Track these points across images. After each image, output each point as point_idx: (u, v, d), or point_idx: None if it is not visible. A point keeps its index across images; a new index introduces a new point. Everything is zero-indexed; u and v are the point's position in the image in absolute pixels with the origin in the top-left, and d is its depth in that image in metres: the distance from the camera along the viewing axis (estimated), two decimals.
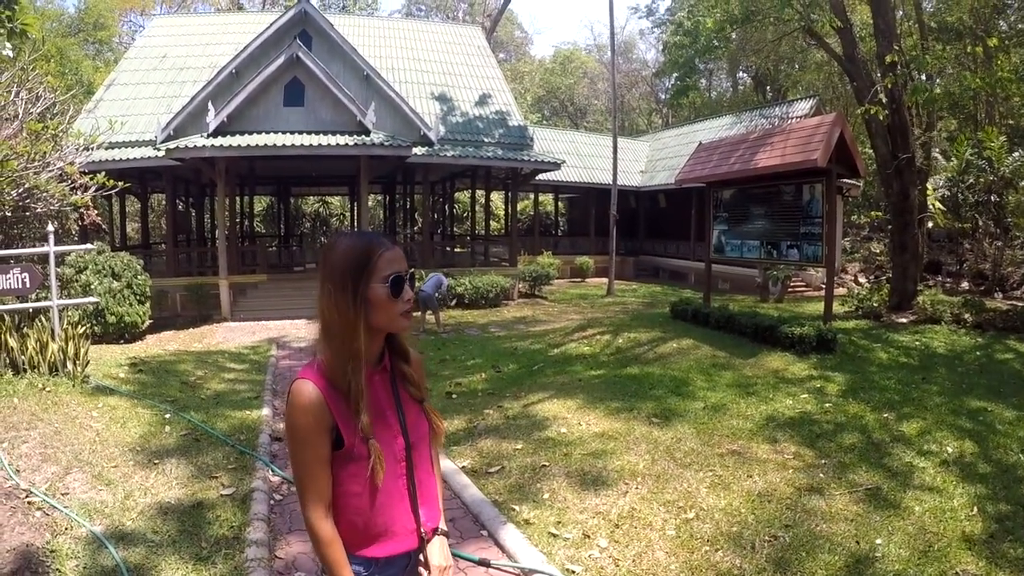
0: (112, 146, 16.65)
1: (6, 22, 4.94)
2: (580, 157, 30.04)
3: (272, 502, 5.15)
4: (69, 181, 10.84)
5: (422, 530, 1.93)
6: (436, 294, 14.81)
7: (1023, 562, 4.08)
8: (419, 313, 14.67)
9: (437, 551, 1.95)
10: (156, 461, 5.66)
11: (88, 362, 8.18)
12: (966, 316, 11.39)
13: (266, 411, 7.72)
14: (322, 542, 1.81)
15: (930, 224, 18.94)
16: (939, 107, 19.00)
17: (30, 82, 11.26)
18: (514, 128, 22.99)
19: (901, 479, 5.34)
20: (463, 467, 5.87)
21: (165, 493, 5.04)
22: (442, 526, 2.00)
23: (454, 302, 18.09)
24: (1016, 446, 5.99)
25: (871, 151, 15.73)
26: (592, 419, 7.08)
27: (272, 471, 5.75)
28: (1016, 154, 18.61)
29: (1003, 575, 3.97)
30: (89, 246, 11.10)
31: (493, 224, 30.29)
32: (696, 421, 6.91)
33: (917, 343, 10.14)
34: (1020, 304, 13.75)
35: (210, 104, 17.25)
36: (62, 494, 4.80)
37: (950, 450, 5.93)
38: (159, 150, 17.06)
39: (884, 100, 12.27)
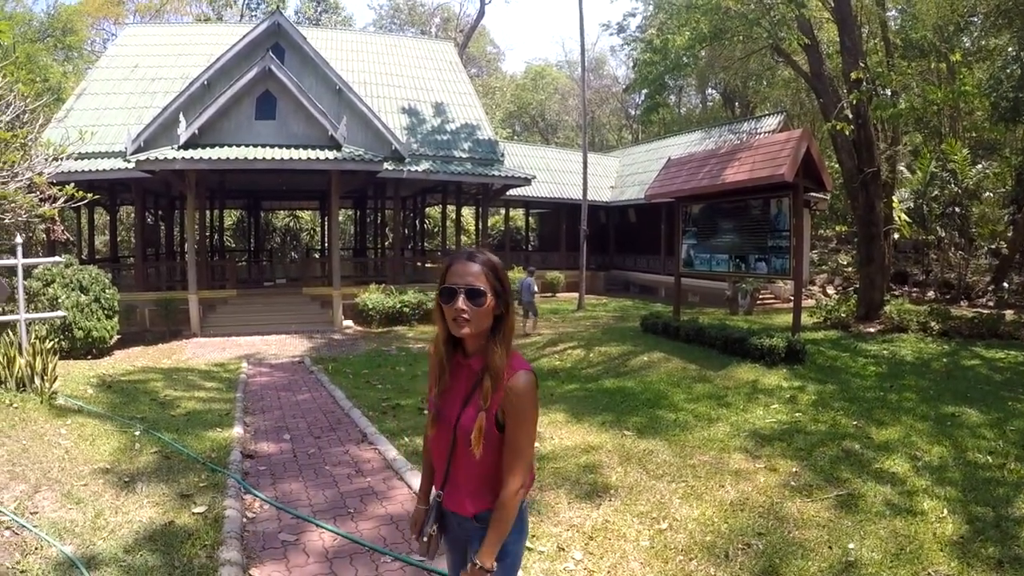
0: (82, 157, 16.44)
1: None
2: (551, 172, 30.18)
3: (245, 520, 5.09)
4: (38, 192, 10.68)
5: (440, 496, 2.35)
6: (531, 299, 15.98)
7: (995, 561, 4.18)
8: (523, 319, 15.94)
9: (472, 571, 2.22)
10: (127, 480, 5.58)
11: (56, 378, 8.05)
12: (932, 324, 11.63)
13: (237, 429, 7.63)
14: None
15: (896, 235, 19.29)
16: (904, 122, 19.42)
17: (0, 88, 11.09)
18: (485, 143, 23.08)
19: (873, 484, 5.43)
20: None
21: (136, 512, 4.96)
22: (485, 548, 2.21)
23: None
24: (985, 448, 6.13)
25: (837, 165, 16.01)
26: (565, 433, 7.12)
27: (245, 489, 5.69)
28: (979, 166, 19.06)
29: (976, 574, 4.05)
30: (58, 259, 10.93)
31: (464, 239, 30.27)
32: (668, 433, 6.97)
33: (885, 351, 10.32)
34: (985, 312, 14.06)
35: (181, 116, 17.12)
36: (31, 513, 4.71)
37: (920, 455, 6.06)
38: (129, 162, 16.87)
39: (850, 116, 12.53)
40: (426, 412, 7.80)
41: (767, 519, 4.88)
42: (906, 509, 4.97)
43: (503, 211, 31.81)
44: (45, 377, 7.71)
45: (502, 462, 2.21)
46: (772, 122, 25.04)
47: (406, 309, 17.73)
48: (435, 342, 2.34)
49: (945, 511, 4.92)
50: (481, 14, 50.04)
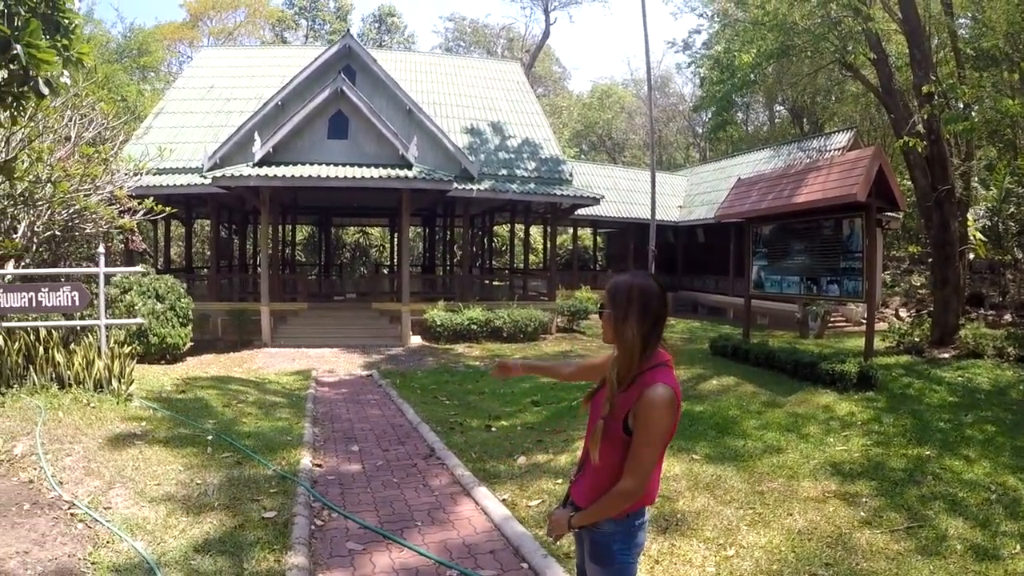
0: (160, 172, 17.10)
1: (63, 51, 5.11)
2: (618, 192, 30.01)
3: (313, 527, 5.18)
4: (118, 204, 11.16)
5: (569, 489, 2.62)
6: None
7: None
8: None
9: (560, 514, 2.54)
10: (198, 481, 5.74)
11: (133, 381, 8.36)
12: (1009, 350, 11.12)
13: (307, 438, 7.76)
14: None
15: (971, 256, 18.54)
16: (978, 136, 18.73)
17: (83, 107, 11.68)
18: (553, 162, 23.11)
19: (945, 517, 5.23)
20: (503, 499, 5.85)
21: (207, 514, 5.10)
22: (579, 513, 2.46)
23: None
24: None
25: (910, 183, 15.55)
26: None
27: (313, 497, 5.79)
28: None
29: None
30: (137, 268, 11.40)
31: (532, 258, 30.27)
32: (737, 459, 6.84)
33: (960, 378, 9.93)
34: None
35: (256, 135, 17.68)
36: (104, 508, 4.90)
37: (995, 488, 5.80)
38: (205, 178, 17.49)
39: (922, 131, 12.16)
40: (493, 429, 7.86)
41: (835, 549, 4.74)
42: (979, 544, 4.78)
43: (571, 230, 31.75)
44: (122, 379, 8.02)
45: (623, 465, 2.34)
46: (842, 138, 24.43)
47: (473, 326, 17.84)
48: None
49: (1018, 547, 4.71)
50: (546, 34, 50.45)
